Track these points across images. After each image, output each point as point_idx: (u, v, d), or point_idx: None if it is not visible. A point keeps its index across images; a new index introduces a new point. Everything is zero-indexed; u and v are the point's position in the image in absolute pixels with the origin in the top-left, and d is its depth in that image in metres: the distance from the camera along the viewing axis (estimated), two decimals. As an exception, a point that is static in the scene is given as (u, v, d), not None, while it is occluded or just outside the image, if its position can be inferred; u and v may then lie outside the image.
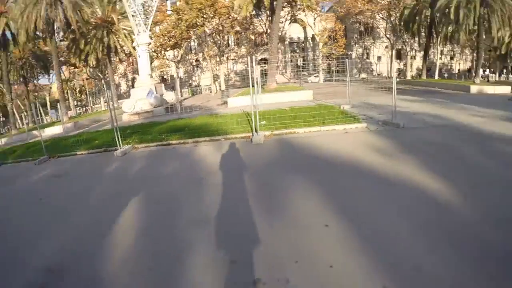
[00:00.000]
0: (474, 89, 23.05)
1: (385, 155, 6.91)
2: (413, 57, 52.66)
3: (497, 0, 27.66)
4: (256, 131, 9.19)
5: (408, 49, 47.58)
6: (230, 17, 37.90)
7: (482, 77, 48.02)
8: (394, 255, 3.42)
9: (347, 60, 15.18)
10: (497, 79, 45.84)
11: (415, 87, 25.61)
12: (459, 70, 57.24)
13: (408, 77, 41.22)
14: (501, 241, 3.56)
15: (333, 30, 44.14)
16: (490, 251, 3.41)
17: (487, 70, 49.16)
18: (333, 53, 41.88)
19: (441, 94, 19.80)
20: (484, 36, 35.78)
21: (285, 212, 4.49)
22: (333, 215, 4.31)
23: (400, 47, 51.34)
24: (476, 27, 29.66)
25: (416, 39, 43.40)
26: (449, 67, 59.51)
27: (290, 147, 8.24)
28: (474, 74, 31.50)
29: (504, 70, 51.84)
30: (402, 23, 39.13)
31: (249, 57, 9.48)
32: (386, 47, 49.61)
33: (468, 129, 9.31)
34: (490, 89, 23.63)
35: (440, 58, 56.06)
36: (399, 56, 54.79)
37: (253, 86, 9.22)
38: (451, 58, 59.76)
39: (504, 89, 23.08)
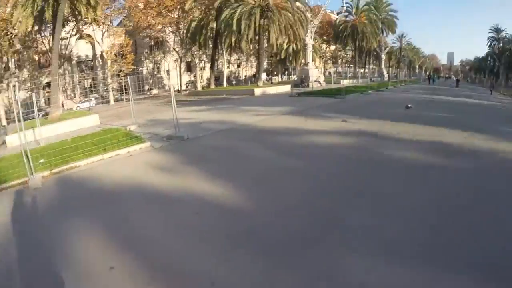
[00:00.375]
0: (258, 91, 27.37)
1: (169, 171, 7.45)
2: (203, 68, 58.02)
3: (275, 12, 33.90)
4: (32, 173, 8.23)
5: (197, 61, 51.70)
6: (9, 33, 32.41)
7: (266, 79, 57.72)
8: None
9: (129, 77, 15.37)
10: (280, 80, 55.12)
11: (205, 97, 28.23)
12: (245, 76, 66.03)
13: (199, 88, 45.24)
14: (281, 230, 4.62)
15: (122, 46, 43.51)
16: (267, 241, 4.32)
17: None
18: (122, 71, 41.25)
19: (229, 100, 22.88)
20: (266, 44, 42.82)
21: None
22: (114, 254, 4.35)
23: (190, 60, 55.28)
24: (257, 36, 35.23)
25: (204, 50, 47.51)
26: (236, 74, 68.10)
27: (71, 185, 7.77)
28: (257, 78, 36.99)
29: (286, 72, 63.14)
30: (189, 35, 42.06)
31: (12, 85, 8.30)
32: (176, 60, 52.54)
33: (249, 128, 11.76)
34: (272, 90, 29.11)
35: (228, 67, 63.46)
36: (189, 68, 59.02)
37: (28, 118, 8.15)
38: (238, 66, 69.07)
39: (284, 88, 28.41)
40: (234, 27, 32.23)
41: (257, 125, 12.21)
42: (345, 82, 41.94)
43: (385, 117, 13.96)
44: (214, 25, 38.71)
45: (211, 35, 41.29)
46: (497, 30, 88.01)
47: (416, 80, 74.66)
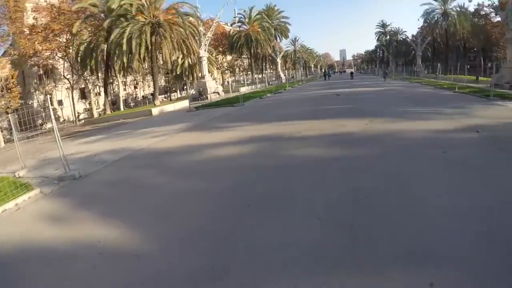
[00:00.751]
0: (155, 111, 26.13)
1: (61, 222, 5.94)
2: (98, 94, 53.88)
3: (166, 28, 32.58)
4: None
5: (91, 86, 48.08)
6: None
7: (165, 97, 56.00)
8: None
9: (10, 116, 13.18)
10: (179, 96, 53.82)
11: (101, 125, 25.98)
12: (143, 96, 63.47)
13: (96, 116, 41.80)
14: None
15: (7, 79, 38.08)
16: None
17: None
18: (9, 107, 36.15)
19: (125, 125, 21.20)
20: (161, 61, 41.16)
21: None
22: None
23: (83, 86, 51.17)
24: (150, 54, 33.76)
25: (97, 75, 44.21)
26: (134, 95, 65.02)
27: None
28: (154, 97, 35.55)
29: (185, 87, 61.89)
30: (79, 60, 38.67)
31: None
32: (68, 88, 48.10)
33: (145, 153, 10.63)
34: (170, 107, 28.11)
35: (125, 89, 60.22)
36: (84, 95, 54.70)
37: None
38: (135, 87, 65.68)
39: (183, 104, 27.47)
40: (125, 47, 30.28)
41: (154, 147, 11.16)
42: (244, 90, 42.28)
43: (285, 118, 13.98)
44: (105, 46, 36.05)
45: (103, 57, 38.46)
46: (383, 25, 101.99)
47: (312, 78, 79.80)
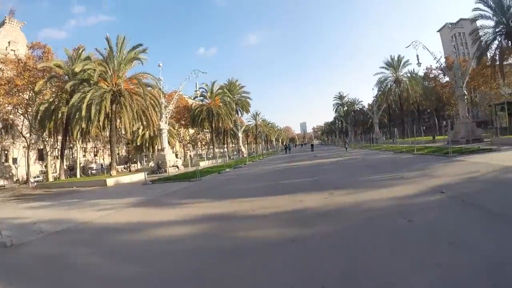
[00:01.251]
0: (111, 181, 25.09)
1: None
2: (56, 157, 51.70)
3: (127, 97, 32.49)
4: None
5: (49, 148, 45.83)
6: None
7: (125, 167, 54.46)
8: None
9: None
10: (139, 167, 52.36)
11: (53, 190, 24.51)
12: (102, 165, 61.59)
13: (51, 179, 39.18)
14: None
15: None
16: None
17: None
18: None
19: (77, 194, 20.15)
20: (123, 131, 40.27)
21: None
22: None
23: (42, 147, 48.98)
24: (109, 122, 33.25)
25: (56, 137, 42.48)
26: (93, 163, 62.93)
27: None
28: (110, 167, 34.10)
29: (146, 158, 60.60)
30: (38, 120, 37.12)
31: None
32: (24, 147, 45.72)
33: (88, 227, 9.58)
34: (127, 179, 27.03)
35: (84, 156, 58.34)
36: (42, 156, 52.30)
37: None
38: (95, 155, 63.78)
39: (140, 176, 26.41)
40: (84, 113, 29.82)
41: (99, 222, 10.19)
42: (204, 164, 41.72)
43: (241, 194, 13.21)
44: (66, 110, 34.99)
45: (62, 121, 37.08)
46: (341, 97, 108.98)
47: (273, 152, 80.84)
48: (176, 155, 63.24)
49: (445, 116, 76.53)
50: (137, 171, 39.04)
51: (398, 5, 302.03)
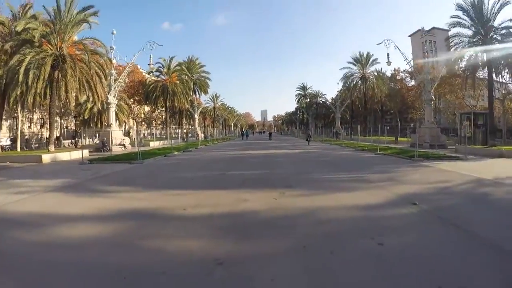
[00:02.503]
0: (47, 158, 22.82)
1: None
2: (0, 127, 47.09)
3: (69, 63, 29.19)
4: None
5: None
6: None
7: (71, 142, 50.65)
8: None
9: None
10: (87, 143, 48.96)
11: None
12: (47, 138, 57.16)
13: None
14: None
15: None
16: None
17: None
18: None
19: (5, 171, 17.34)
20: (73, 103, 36.91)
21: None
22: None
23: None
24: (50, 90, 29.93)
25: None
26: (39, 136, 58.15)
27: None
28: (48, 141, 30.99)
29: (97, 134, 56.63)
30: None
31: None
32: None
33: None
34: (65, 156, 24.61)
35: (29, 127, 53.97)
36: None
37: None
38: (41, 126, 58.89)
39: (79, 154, 24.09)
40: (21, 77, 26.63)
41: (5, 210, 8.12)
42: (154, 144, 39.32)
43: (178, 185, 11.45)
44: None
45: (0, 86, 32.94)
46: (303, 88, 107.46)
47: (230, 137, 79.26)
48: (129, 133, 59.63)
49: (407, 119, 78.02)
50: (82, 147, 36.32)
51: (373, 6, 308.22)
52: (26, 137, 52.44)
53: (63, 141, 50.65)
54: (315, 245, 5.22)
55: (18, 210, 8.07)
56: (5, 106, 34.01)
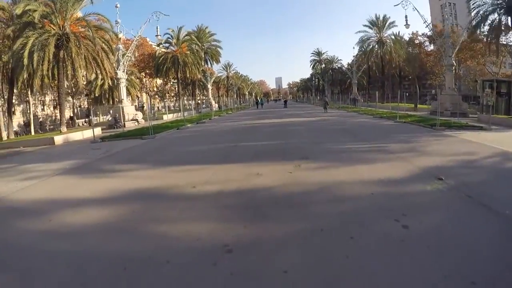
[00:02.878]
0: (59, 139, 22.52)
1: None
2: (13, 113, 47.29)
3: (73, 42, 28.59)
4: None
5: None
6: None
7: (85, 121, 50.87)
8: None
9: None
10: (101, 120, 49.22)
11: None
12: (67, 118, 57.31)
13: (5, 138, 35.24)
14: None
15: None
16: None
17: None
18: None
19: (19, 156, 17.17)
20: (82, 81, 36.67)
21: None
22: None
23: None
24: (57, 71, 29.58)
25: (2, 90, 37.94)
26: (53, 117, 58.40)
27: None
28: (60, 122, 30.96)
29: (111, 111, 56.74)
30: None
31: None
32: None
33: None
34: (78, 136, 24.27)
35: (43, 109, 54.28)
36: None
37: None
38: (55, 108, 58.95)
39: (96, 131, 23.93)
40: (26, 61, 26.22)
41: (10, 198, 7.83)
42: (167, 117, 39.08)
43: (189, 160, 11.09)
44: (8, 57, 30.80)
45: (7, 71, 32.82)
46: (318, 53, 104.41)
47: (245, 106, 78.57)
48: (142, 108, 59.07)
49: (426, 85, 75.56)
50: (93, 126, 36.31)
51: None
52: (40, 119, 52.76)
53: (77, 121, 50.97)
54: (333, 228, 4.78)
55: (25, 198, 7.80)
56: (15, 91, 34.00)
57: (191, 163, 10.22)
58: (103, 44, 31.85)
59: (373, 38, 63.60)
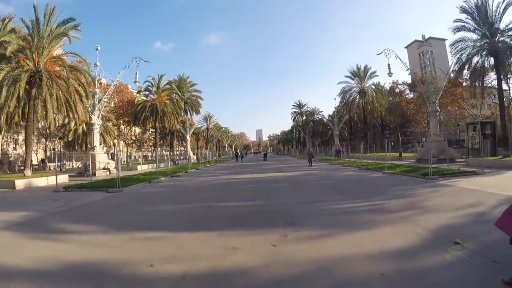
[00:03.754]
0: (20, 184, 21.11)
1: None
2: None
3: (46, 80, 27.87)
4: None
5: None
6: None
7: (58, 166, 48.61)
8: None
9: None
10: (74, 166, 47.56)
11: None
12: (31, 161, 55.12)
13: None
14: None
15: None
16: None
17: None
18: None
19: None
20: (53, 123, 35.32)
21: None
22: None
23: None
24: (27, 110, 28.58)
25: None
26: (25, 158, 56.24)
27: None
28: (25, 165, 29.08)
29: (83, 157, 54.74)
30: None
31: None
32: None
33: None
34: (42, 181, 22.96)
35: (15, 149, 53.25)
36: None
37: None
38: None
39: (64, 178, 22.74)
40: None
41: None
42: (141, 168, 37.51)
43: (153, 225, 9.33)
44: None
45: None
46: (299, 105, 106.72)
47: (224, 159, 77.40)
48: (117, 156, 57.21)
49: (407, 133, 76.50)
50: (67, 171, 34.16)
51: (367, 21, 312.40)
52: (10, 158, 50.44)
53: (48, 164, 48.85)
54: None
55: None
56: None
57: (155, 229, 8.55)
58: (79, 87, 30.69)
59: (354, 89, 64.96)
